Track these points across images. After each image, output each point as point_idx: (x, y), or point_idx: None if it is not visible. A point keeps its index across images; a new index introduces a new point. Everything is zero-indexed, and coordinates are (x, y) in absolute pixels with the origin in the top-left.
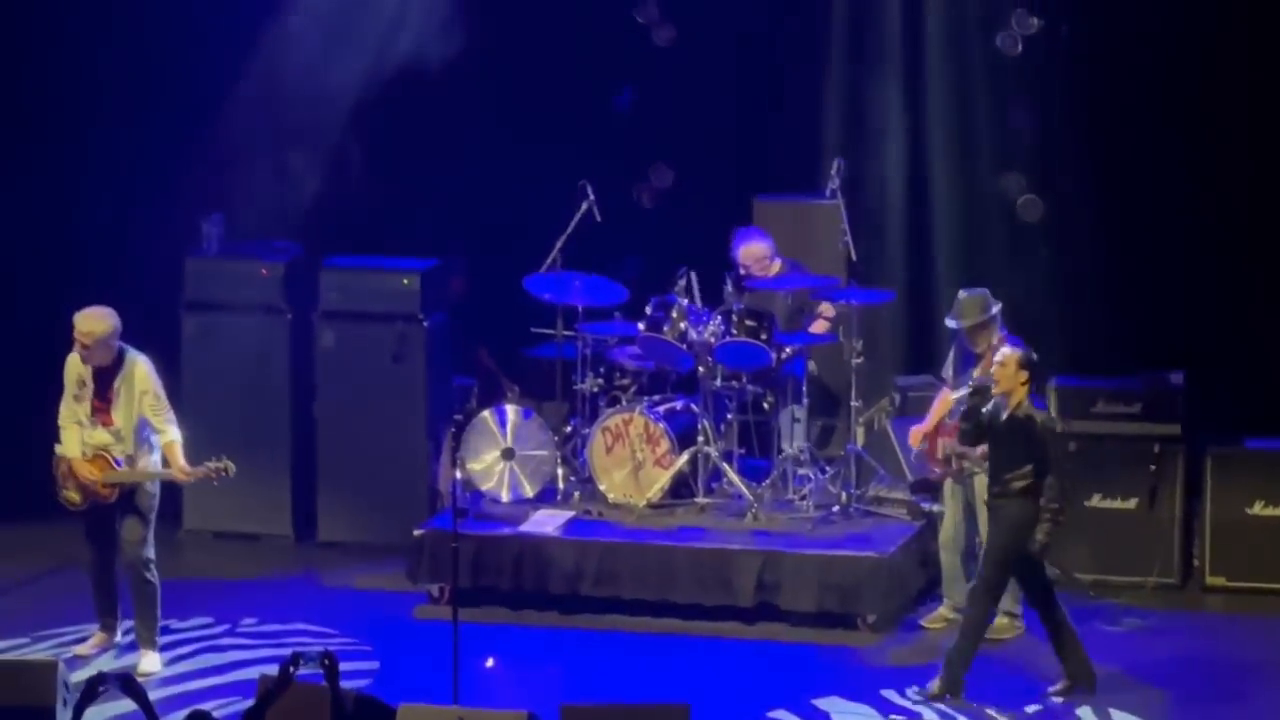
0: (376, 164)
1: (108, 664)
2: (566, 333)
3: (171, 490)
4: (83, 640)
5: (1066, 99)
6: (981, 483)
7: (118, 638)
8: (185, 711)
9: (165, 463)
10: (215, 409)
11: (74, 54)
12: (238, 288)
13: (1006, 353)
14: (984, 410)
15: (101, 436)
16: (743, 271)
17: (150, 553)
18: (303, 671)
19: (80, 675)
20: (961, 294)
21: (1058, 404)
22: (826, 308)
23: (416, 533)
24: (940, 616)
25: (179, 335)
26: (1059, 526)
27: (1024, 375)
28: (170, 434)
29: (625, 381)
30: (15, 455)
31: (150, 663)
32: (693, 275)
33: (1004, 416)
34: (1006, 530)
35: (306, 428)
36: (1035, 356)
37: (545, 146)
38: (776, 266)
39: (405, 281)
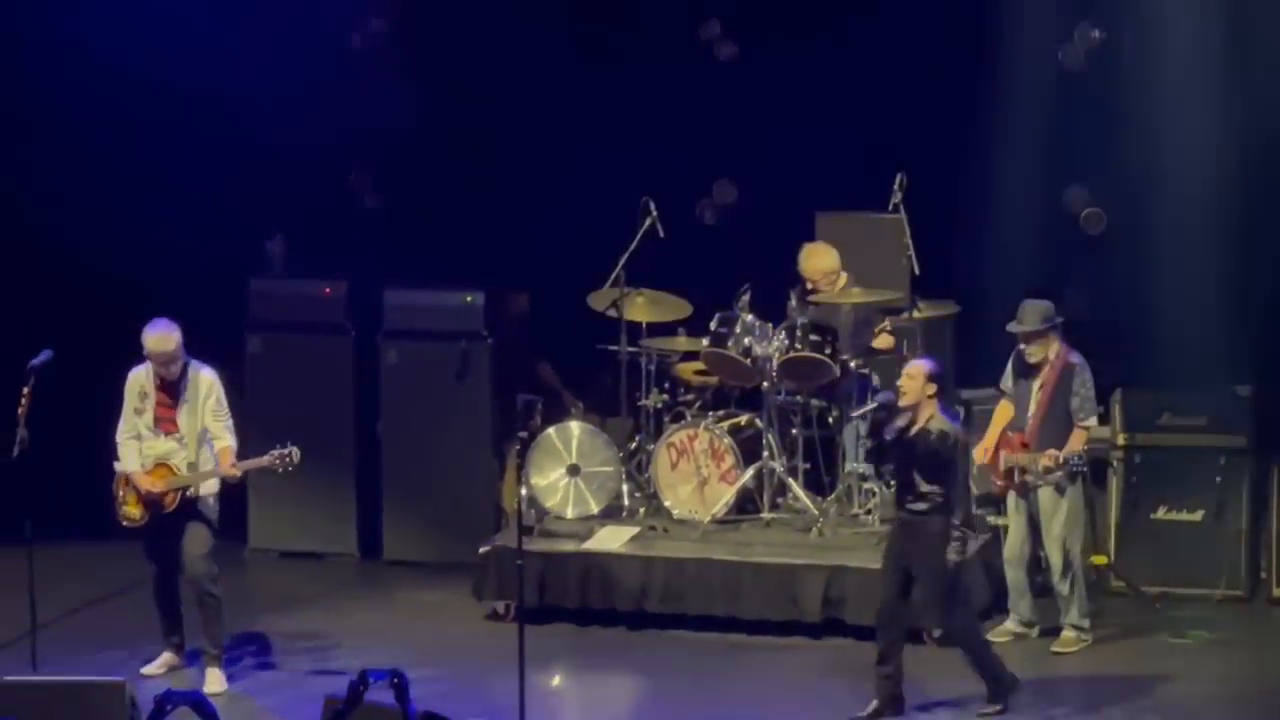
0: (438, 184)
1: (176, 684)
2: (630, 348)
3: (238, 509)
4: (150, 661)
5: (1131, 112)
6: (1046, 495)
7: (184, 659)
8: None
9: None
10: (279, 428)
11: (140, 77)
12: (302, 307)
13: (914, 365)
14: (892, 425)
15: (164, 445)
16: (809, 286)
17: (213, 567)
18: (371, 691)
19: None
20: (1026, 301)
21: (1123, 415)
22: (889, 322)
23: (482, 550)
24: (1005, 630)
25: (243, 355)
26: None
27: (931, 388)
28: (226, 440)
29: (689, 397)
30: (82, 474)
31: (215, 680)
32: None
33: (913, 431)
34: (929, 550)
35: (371, 446)
36: (942, 369)
37: (608, 163)
38: (842, 281)
39: (468, 299)
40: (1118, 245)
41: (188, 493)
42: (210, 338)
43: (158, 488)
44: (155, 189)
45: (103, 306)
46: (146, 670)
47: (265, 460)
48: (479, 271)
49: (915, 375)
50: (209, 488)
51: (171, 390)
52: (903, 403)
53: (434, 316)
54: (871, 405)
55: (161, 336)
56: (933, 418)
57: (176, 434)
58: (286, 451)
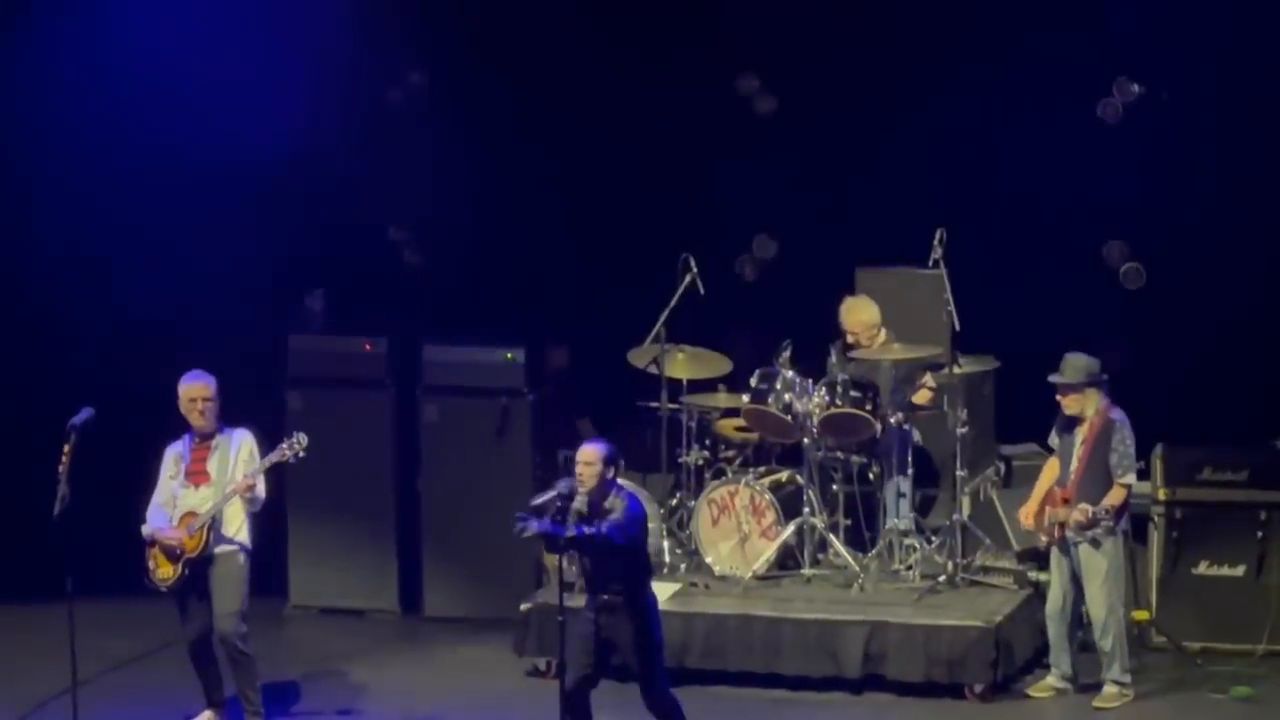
0: (481, 238)
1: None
2: (671, 405)
3: (279, 566)
4: (191, 718)
5: (1169, 165)
6: (1085, 550)
7: (226, 717)
8: None
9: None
10: (320, 484)
11: (181, 132)
12: (341, 364)
13: (587, 449)
14: (571, 512)
15: (195, 497)
16: (850, 339)
17: (243, 626)
18: None
19: None
20: (1069, 355)
21: (1164, 470)
22: (930, 378)
23: (523, 606)
24: (1048, 686)
25: (284, 411)
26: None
27: (611, 471)
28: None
29: (730, 453)
30: (120, 531)
31: None
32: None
33: (597, 523)
34: (636, 630)
35: (411, 502)
36: (615, 450)
37: (647, 220)
38: (882, 337)
39: (509, 356)
40: (1157, 300)
41: (215, 531)
42: (250, 394)
43: (180, 535)
44: (195, 245)
45: (142, 363)
46: None
47: (275, 455)
48: (518, 328)
49: (592, 461)
50: (238, 531)
51: (205, 443)
52: (584, 491)
53: (474, 373)
54: (550, 494)
55: (194, 383)
56: (614, 501)
57: (207, 483)
58: (294, 439)
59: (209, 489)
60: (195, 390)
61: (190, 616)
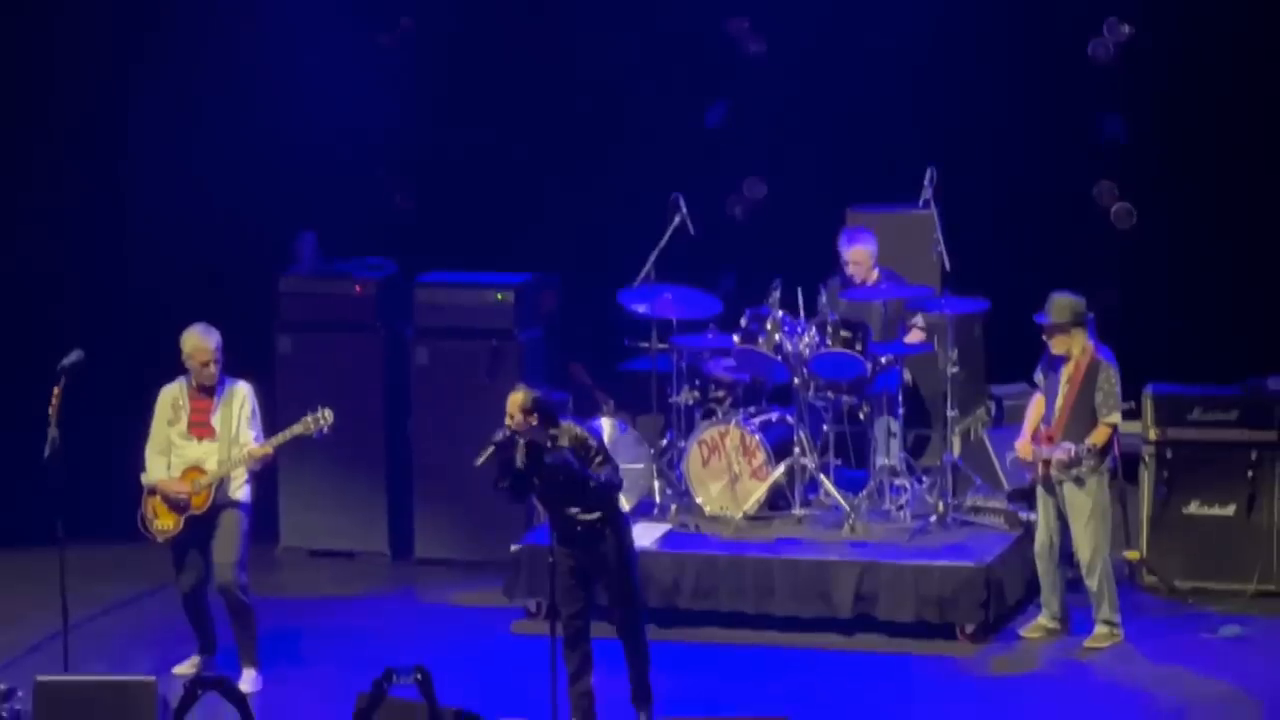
0: (467, 181)
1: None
2: (661, 346)
3: (269, 509)
4: (181, 661)
5: (1160, 104)
6: (1070, 489)
7: (215, 662)
8: None
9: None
10: None
11: (166, 71)
12: (331, 306)
13: (515, 398)
14: (518, 460)
15: (198, 450)
16: (849, 271)
17: (243, 576)
18: (397, 686)
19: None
20: (1054, 294)
21: (1154, 411)
22: (920, 317)
23: (513, 548)
24: (1039, 626)
25: (273, 354)
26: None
27: (534, 418)
28: (253, 444)
29: (720, 394)
30: (111, 477)
31: (249, 681)
32: (791, 289)
33: (549, 458)
34: (613, 548)
35: (402, 445)
36: (550, 396)
37: (637, 160)
38: (875, 275)
39: (499, 297)
40: (1147, 240)
41: (219, 489)
42: (240, 338)
43: (186, 489)
44: (182, 188)
45: (131, 306)
46: (178, 670)
47: (298, 427)
48: (509, 269)
49: (515, 411)
50: (240, 490)
51: (207, 395)
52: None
53: (464, 314)
54: (489, 450)
55: (202, 336)
56: (563, 431)
57: (211, 438)
58: (319, 413)
59: (213, 443)
60: (203, 346)
61: (186, 568)
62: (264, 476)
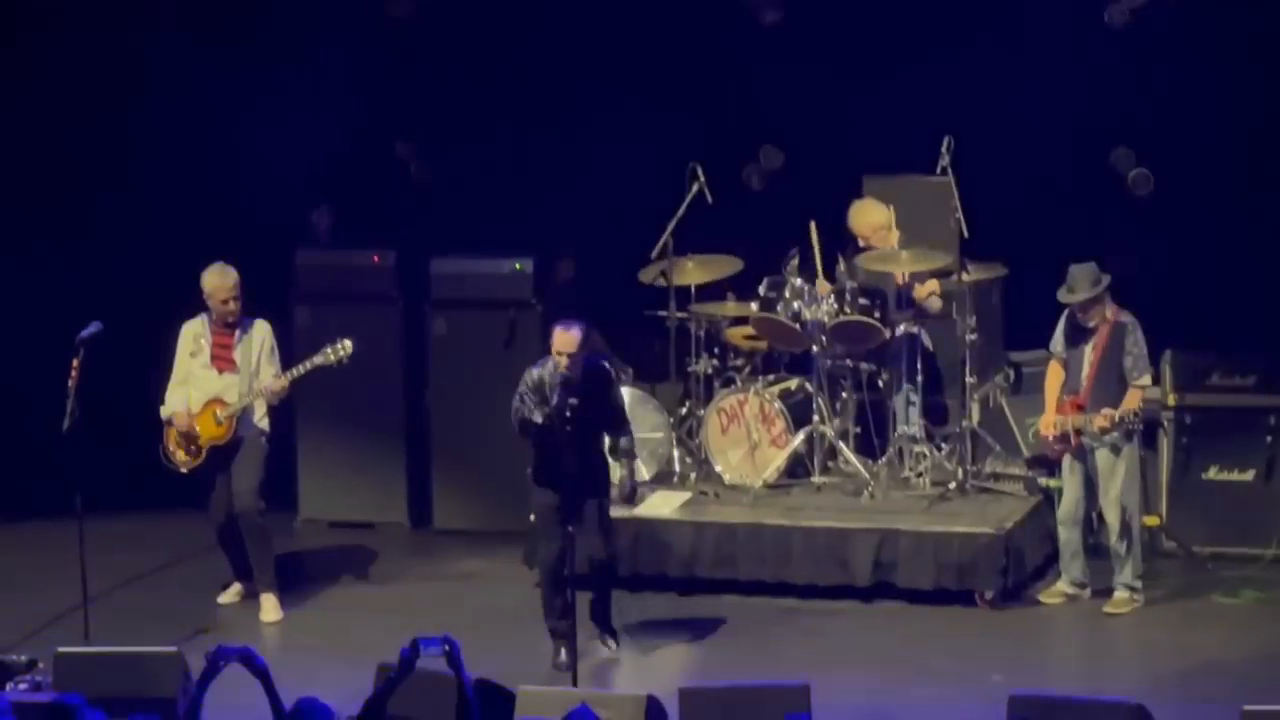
0: (488, 151)
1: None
2: (679, 314)
3: (288, 479)
4: (226, 588)
5: (1178, 70)
6: (1103, 455)
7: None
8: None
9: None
10: (329, 399)
11: (184, 44)
12: (349, 278)
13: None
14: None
15: (220, 382)
16: (861, 244)
17: (261, 502)
18: (424, 659)
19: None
20: (1074, 267)
21: (1173, 376)
22: (935, 283)
23: (532, 518)
24: (1058, 592)
25: (291, 327)
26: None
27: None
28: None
29: (739, 362)
30: (128, 446)
31: (270, 608)
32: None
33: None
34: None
35: (420, 416)
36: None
37: (655, 130)
38: (895, 236)
39: (518, 267)
40: (1165, 205)
41: (241, 419)
42: (258, 310)
43: (206, 422)
44: (198, 162)
45: (148, 280)
46: (222, 598)
47: (317, 358)
48: (526, 239)
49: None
50: (263, 420)
51: (229, 331)
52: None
53: (482, 285)
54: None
55: (220, 275)
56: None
57: (233, 370)
58: (338, 344)
59: (234, 376)
60: (222, 284)
61: (216, 499)
62: (283, 445)
